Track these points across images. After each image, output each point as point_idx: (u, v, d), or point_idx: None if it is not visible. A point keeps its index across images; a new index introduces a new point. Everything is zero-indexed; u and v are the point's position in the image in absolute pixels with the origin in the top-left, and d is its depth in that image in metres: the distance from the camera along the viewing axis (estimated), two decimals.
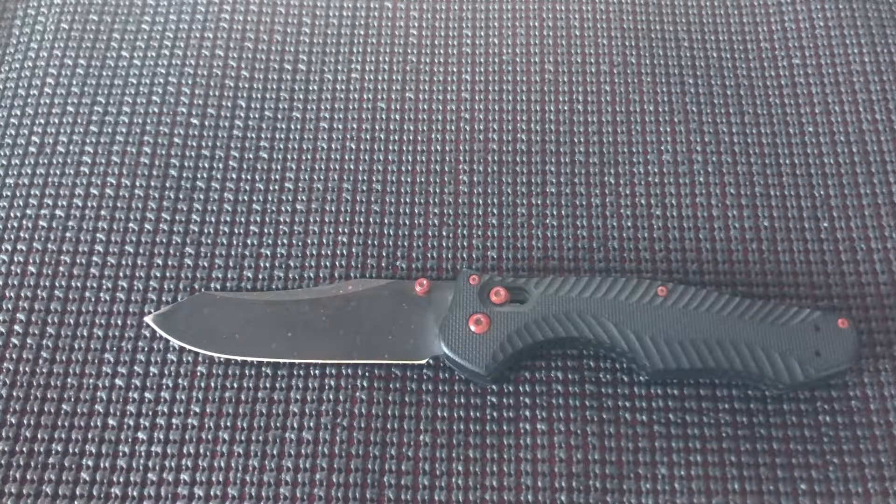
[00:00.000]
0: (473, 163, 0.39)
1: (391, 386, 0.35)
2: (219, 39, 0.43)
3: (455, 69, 0.42)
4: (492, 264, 0.37)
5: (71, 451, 0.33)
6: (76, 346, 0.35)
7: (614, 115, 0.40)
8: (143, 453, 0.33)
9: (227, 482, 0.33)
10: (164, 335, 0.35)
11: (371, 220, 0.38)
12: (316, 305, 0.35)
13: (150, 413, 0.34)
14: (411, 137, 0.40)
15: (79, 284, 0.37)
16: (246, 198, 0.39)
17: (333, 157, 0.40)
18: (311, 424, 0.34)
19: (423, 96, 0.41)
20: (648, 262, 0.37)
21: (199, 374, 0.35)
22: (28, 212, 0.39)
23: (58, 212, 0.39)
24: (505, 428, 0.34)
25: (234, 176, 0.39)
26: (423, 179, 0.39)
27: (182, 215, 0.38)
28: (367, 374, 0.35)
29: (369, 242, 0.38)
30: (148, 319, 0.35)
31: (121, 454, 0.33)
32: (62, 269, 0.37)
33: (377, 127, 0.40)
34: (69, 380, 0.35)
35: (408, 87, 0.42)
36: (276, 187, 0.39)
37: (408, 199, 0.39)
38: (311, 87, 0.42)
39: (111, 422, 0.34)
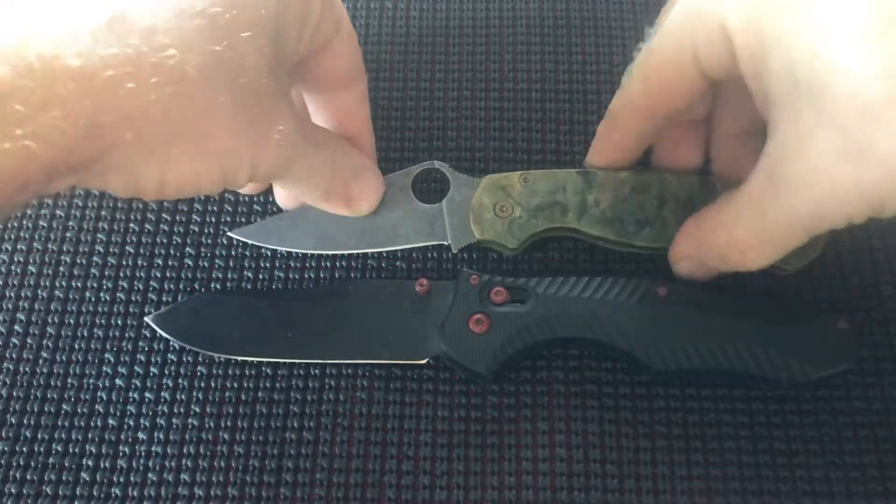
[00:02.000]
0: (475, 160, 0.39)
1: (391, 386, 0.35)
2: None
3: (455, 68, 0.42)
4: (492, 265, 0.37)
5: (71, 451, 0.33)
6: (76, 346, 0.36)
7: None
8: (143, 453, 0.33)
9: (227, 482, 0.33)
10: (164, 335, 0.35)
11: None
12: (316, 305, 0.35)
13: (150, 413, 0.34)
14: (412, 136, 0.40)
15: (79, 284, 0.37)
16: (246, 198, 0.39)
17: None
18: (311, 424, 0.34)
19: (423, 95, 0.41)
20: (648, 263, 0.37)
21: (199, 374, 0.35)
22: (28, 212, 0.38)
23: (58, 212, 0.39)
24: (505, 428, 0.34)
25: None
26: None
27: (182, 215, 0.38)
28: (367, 374, 0.35)
29: None
30: (148, 319, 0.35)
31: (121, 454, 0.33)
32: (62, 269, 0.37)
33: (378, 126, 0.40)
34: (69, 380, 0.35)
35: (408, 86, 0.41)
36: None
37: None
38: None
39: (111, 422, 0.34)
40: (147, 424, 0.34)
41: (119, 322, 0.36)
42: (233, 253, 0.38)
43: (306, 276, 0.37)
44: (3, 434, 0.34)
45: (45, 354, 0.35)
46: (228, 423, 0.34)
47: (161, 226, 0.38)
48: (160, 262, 0.37)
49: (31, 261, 0.37)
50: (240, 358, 0.35)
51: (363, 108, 0.35)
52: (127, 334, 0.36)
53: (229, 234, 0.37)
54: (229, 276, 0.37)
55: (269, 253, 0.37)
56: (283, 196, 0.37)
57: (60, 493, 0.33)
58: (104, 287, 0.37)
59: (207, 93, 0.24)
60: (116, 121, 0.23)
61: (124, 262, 0.37)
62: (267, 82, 0.26)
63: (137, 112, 0.23)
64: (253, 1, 0.26)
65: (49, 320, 0.36)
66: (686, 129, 0.35)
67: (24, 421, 0.34)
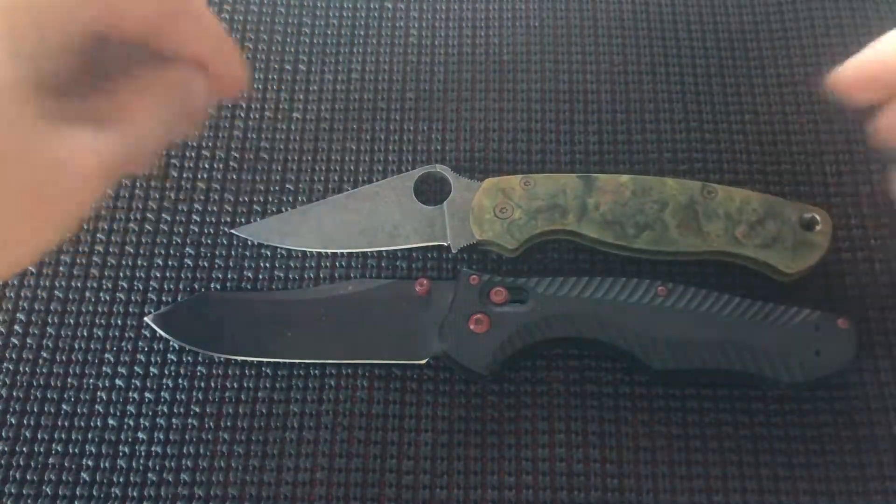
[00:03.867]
0: (475, 161, 0.39)
1: (391, 386, 0.35)
2: None
3: (455, 69, 0.42)
4: (492, 265, 0.37)
5: (71, 451, 0.33)
6: (76, 346, 0.35)
7: (614, 115, 0.40)
8: (143, 453, 0.33)
9: (227, 482, 0.33)
10: (164, 335, 0.35)
11: None
12: (316, 305, 0.35)
13: (150, 413, 0.34)
14: (411, 138, 0.40)
15: (79, 284, 0.37)
16: (246, 198, 0.39)
17: (334, 158, 0.40)
18: (311, 424, 0.34)
19: (423, 96, 0.41)
20: (648, 263, 0.37)
21: (199, 374, 0.35)
22: None
23: None
24: (505, 428, 0.34)
25: (234, 176, 0.39)
26: None
27: (182, 215, 0.38)
28: (367, 374, 0.35)
29: None
30: (148, 319, 0.35)
31: (121, 454, 0.33)
32: (62, 269, 0.37)
33: (377, 127, 0.40)
34: (69, 380, 0.35)
35: (408, 87, 0.41)
36: (277, 188, 0.39)
37: None
38: (311, 87, 0.42)
39: (111, 422, 0.34)
40: (147, 424, 0.34)
41: (119, 322, 0.36)
42: (233, 253, 0.38)
43: (306, 276, 0.37)
44: (3, 434, 0.34)
45: (45, 354, 0.35)
46: (228, 423, 0.34)
47: (161, 226, 0.38)
48: (160, 262, 0.37)
49: None
50: (240, 358, 0.35)
51: (208, 26, 0.28)
52: (127, 334, 0.36)
53: (232, 231, 0.37)
54: (229, 276, 0.37)
55: (268, 253, 0.37)
56: None
57: (60, 493, 0.33)
58: (104, 287, 0.37)
59: None
60: None
61: (124, 262, 0.37)
62: (33, 140, 0.21)
63: None
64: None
65: (49, 320, 0.36)
66: None
67: (24, 421, 0.34)
